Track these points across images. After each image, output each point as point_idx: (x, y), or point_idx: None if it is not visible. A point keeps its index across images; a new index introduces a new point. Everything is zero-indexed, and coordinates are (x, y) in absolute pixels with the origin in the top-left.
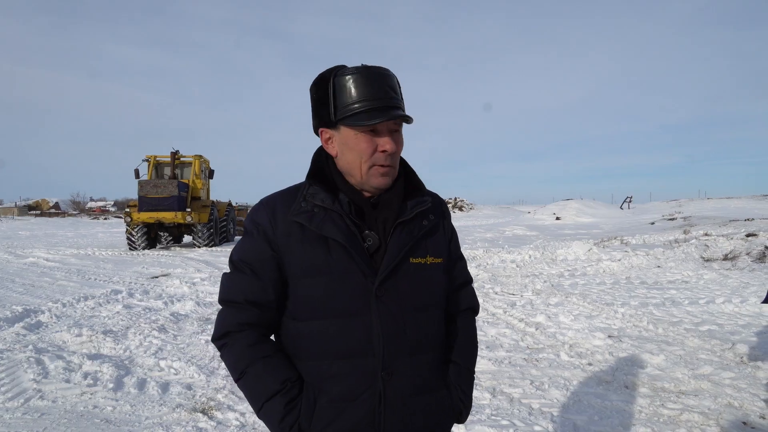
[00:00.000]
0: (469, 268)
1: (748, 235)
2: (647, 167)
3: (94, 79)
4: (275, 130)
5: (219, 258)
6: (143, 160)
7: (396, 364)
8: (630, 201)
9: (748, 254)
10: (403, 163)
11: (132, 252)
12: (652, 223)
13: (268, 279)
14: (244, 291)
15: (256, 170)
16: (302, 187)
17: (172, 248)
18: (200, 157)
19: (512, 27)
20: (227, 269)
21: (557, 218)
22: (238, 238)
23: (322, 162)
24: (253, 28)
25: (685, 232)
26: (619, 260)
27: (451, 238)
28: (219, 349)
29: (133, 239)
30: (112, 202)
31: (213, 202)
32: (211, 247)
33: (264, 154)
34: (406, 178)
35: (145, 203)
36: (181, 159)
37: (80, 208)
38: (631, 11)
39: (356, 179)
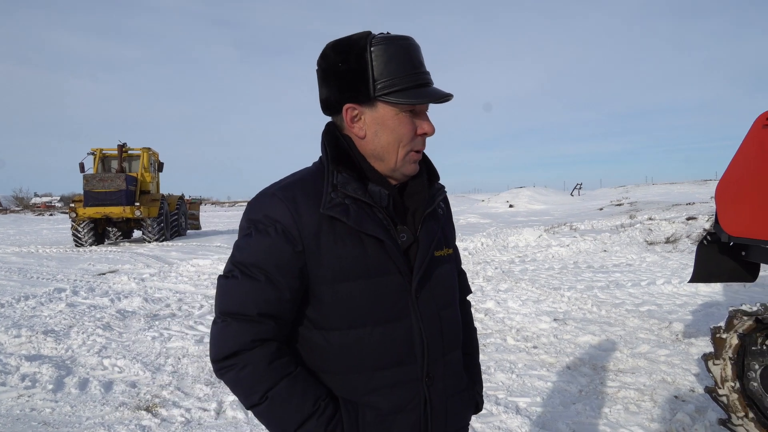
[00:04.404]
0: None
1: (688, 219)
2: (597, 154)
3: (37, 69)
4: (227, 122)
5: (170, 253)
6: (88, 154)
7: (435, 367)
8: (580, 188)
9: (688, 237)
10: None
11: (78, 249)
12: (601, 209)
13: (287, 287)
14: (258, 302)
15: (208, 163)
16: (325, 174)
17: (121, 244)
18: (149, 149)
19: (468, 15)
20: (226, 273)
21: (510, 206)
22: (190, 232)
23: (343, 145)
24: (203, 15)
25: (630, 217)
26: (567, 245)
27: (452, 225)
28: (223, 370)
29: (79, 235)
30: (59, 198)
31: (163, 195)
32: (162, 241)
33: (216, 146)
34: (425, 164)
35: (91, 198)
36: (129, 152)
37: (24, 204)
38: (581, 3)
39: (388, 165)
